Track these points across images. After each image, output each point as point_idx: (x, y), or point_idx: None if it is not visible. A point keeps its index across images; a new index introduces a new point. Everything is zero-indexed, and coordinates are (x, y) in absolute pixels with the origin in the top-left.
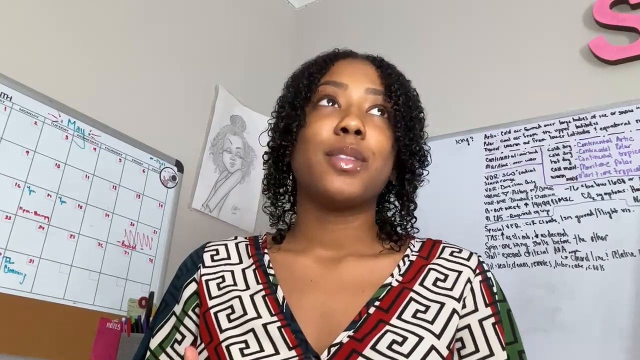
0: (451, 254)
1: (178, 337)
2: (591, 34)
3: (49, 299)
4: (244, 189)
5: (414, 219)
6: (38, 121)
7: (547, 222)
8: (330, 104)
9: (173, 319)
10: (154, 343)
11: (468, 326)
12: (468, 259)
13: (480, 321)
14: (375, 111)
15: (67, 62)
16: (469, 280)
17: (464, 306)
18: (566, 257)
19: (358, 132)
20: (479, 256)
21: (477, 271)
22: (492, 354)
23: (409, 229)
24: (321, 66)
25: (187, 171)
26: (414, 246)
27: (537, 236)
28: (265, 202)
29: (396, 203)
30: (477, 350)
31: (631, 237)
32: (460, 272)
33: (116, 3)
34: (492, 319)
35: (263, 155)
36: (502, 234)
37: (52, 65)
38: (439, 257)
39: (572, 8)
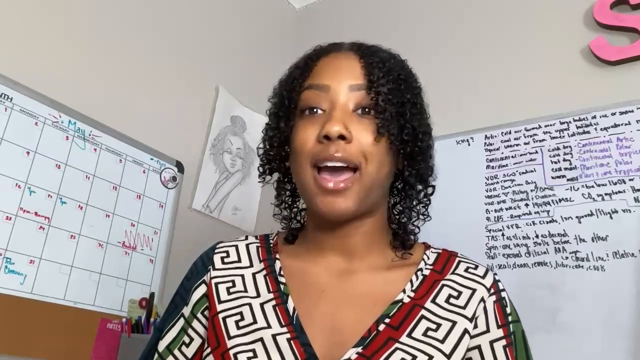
0: (466, 270)
1: (186, 339)
2: (591, 34)
3: (50, 299)
4: (244, 189)
5: (422, 208)
6: (38, 122)
7: (547, 223)
8: (315, 111)
9: (181, 321)
10: (162, 345)
11: (478, 347)
12: (483, 277)
13: (492, 342)
14: (360, 111)
15: (68, 63)
16: (482, 300)
17: (475, 326)
18: (567, 258)
19: (342, 137)
20: (494, 274)
21: (492, 290)
22: None
23: (416, 222)
24: (303, 69)
25: (188, 172)
26: (428, 258)
27: (537, 237)
28: (274, 210)
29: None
30: None
31: (632, 238)
32: (474, 290)
33: (116, 4)
34: (504, 342)
35: (258, 168)
36: (503, 235)
37: (53, 66)
38: (453, 273)
39: (572, 8)
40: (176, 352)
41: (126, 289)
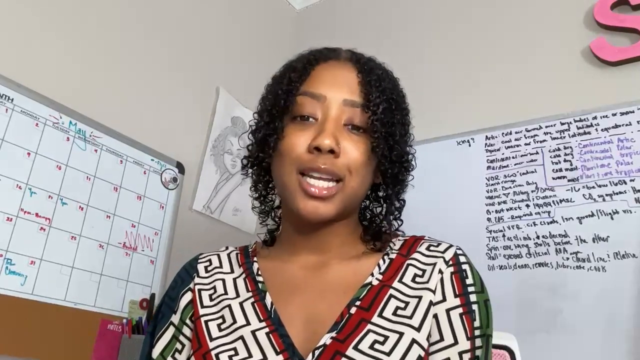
0: (427, 248)
1: (178, 346)
2: (592, 35)
3: (50, 300)
4: (245, 190)
5: (398, 221)
6: (39, 123)
7: (548, 224)
8: (307, 118)
9: (172, 329)
10: (155, 352)
11: (435, 315)
12: (444, 252)
13: (448, 311)
14: (350, 127)
15: (69, 64)
16: (440, 271)
17: (435, 296)
18: (567, 259)
19: (332, 151)
20: (458, 249)
21: (450, 262)
22: (456, 342)
23: (393, 230)
24: (301, 72)
25: (188, 173)
26: (394, 244)
27: (538, 237)
28: (253, 203)
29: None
30: (441, 339)
31: (632, 238)
32: (434, 264)
33: (117, 5)
34: (460, 310)
35: (242, 160)
36: (504, 235)
37: (53, 67)
38: (416, 252)
39: (573, 9)
40: (169, 359)
41: (127, 289)
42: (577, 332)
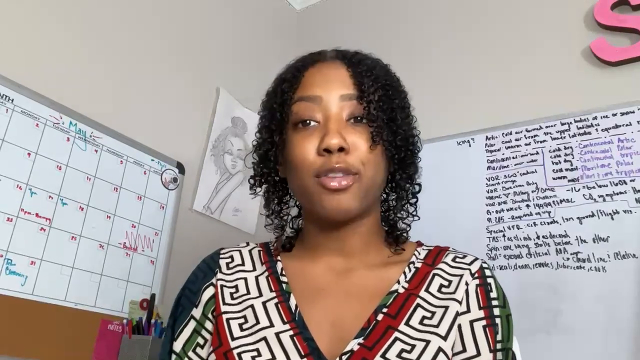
0: (454, 259)
1: (200, 340)
2: (592, 35)
3: (51, 300)
4: (245, 190)
5: (411, 208)
6: (39, 123)
7: (548, 224)
8: (308, 123)
9: (193, 323)
10: (177, 346)
11: (459, 326)
12: (470, 264)
13: (472, 322)
14: (353, 120)
15: (69, 65)
16: (466, 283)
17: (461, 307)
18: (568, 259)
19: (341, 149)
20: (483, 262)
21: (476, 275)
22: (478, 354)
23: (409, 219)
24: (292, 81)
25: (189, 173)
26: (419, 254)
27: (538, 238)
28: (266, 221)
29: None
30: (464, 350)
31: (633, 239)
32: (461, 276)
33: (117, 5)
34: (484, 322)
35: (249, 180)
36: (504, 236)
37: (54, 68)
38: (442, 262)
39: (573, 9)
40: (191, 354)
41: (127, 290)
42: (577, 332)
